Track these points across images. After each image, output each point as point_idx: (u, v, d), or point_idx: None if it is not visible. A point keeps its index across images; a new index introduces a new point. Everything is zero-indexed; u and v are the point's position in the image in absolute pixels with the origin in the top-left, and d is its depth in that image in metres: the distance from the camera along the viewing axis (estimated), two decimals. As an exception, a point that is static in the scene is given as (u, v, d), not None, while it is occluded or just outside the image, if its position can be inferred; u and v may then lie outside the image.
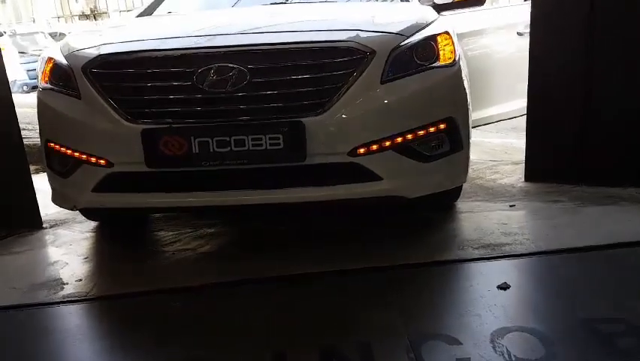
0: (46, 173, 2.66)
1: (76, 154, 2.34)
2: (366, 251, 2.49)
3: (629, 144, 3.08)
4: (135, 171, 2.21)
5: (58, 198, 2.57)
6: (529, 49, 3.23)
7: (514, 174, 3.62)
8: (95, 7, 32.69)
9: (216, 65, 2.12)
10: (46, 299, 2.27)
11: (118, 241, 2.97)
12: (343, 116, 2.14)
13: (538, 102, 3.24)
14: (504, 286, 2.09)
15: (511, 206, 3.01)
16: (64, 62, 2.39)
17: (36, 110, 2.56)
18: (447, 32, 2.44)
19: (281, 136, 2.10)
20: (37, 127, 2.57)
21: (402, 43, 2.25)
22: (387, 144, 2.22)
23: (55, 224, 3.29)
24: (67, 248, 2.86)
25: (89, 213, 3.08)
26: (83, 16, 34.10)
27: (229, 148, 2.12)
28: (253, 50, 2.15)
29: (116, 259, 2.69)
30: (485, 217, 2.86)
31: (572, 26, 3.06)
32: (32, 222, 3.20)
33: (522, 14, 4.12)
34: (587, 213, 2.82)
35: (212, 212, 2.82)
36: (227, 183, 2.19)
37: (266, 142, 2.11)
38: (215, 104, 2.14)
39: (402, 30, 2.30)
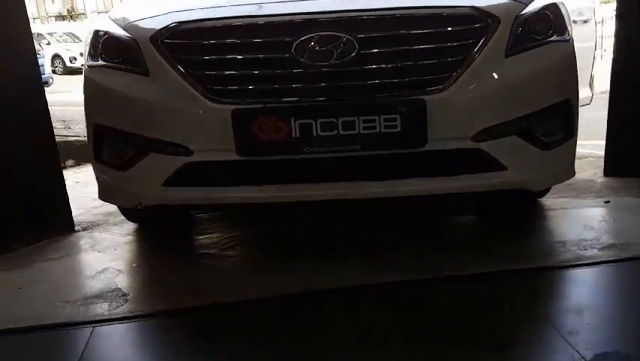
0: (92, 165, 2.29)
1: (140, 142, 1.98)
2: (470, 255, 2.16)
3: None
4: (221, 160, 1.87)
5: (111, 195, 2.21)
6: (615, 41, 2.97)
7: (587, 169, 3.34)
8: (72, 7, 31.94)
9: (319, 33, 1.79)
10: (109, 314, 1.91)
11: (165, 244, 2.60)
12: (468, 93, 1.83)
13: (621, 97, 2.99)
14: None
15: (606, 202, 2.73)
16: (123, 33, 2.03)
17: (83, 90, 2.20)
18: (559, 3, 2.14)
19: (398, 117, 1.77)
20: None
21: (522, 12, 1.95)
22: (512, 128, 1.91)
23: (88, 227, 2.91)
24: (112, 254, 2.49)
25: (129, 214, 2.71)
26: (60, 17, 33.36)
27: (336, 132, 1.79)
28: (363, 16, 1.82)
29: (171, 266, 2.31)
30: (584, 215, 2.58)
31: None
32: (64, 225, 2.82)
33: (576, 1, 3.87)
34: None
35: (300, 210, 2.45)
36: (332, 173, 1.86)
37: (380, 124, 1.78)
38: (319, 79, 1.81)
39: None
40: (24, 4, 2.57)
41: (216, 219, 2.87)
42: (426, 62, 1.80)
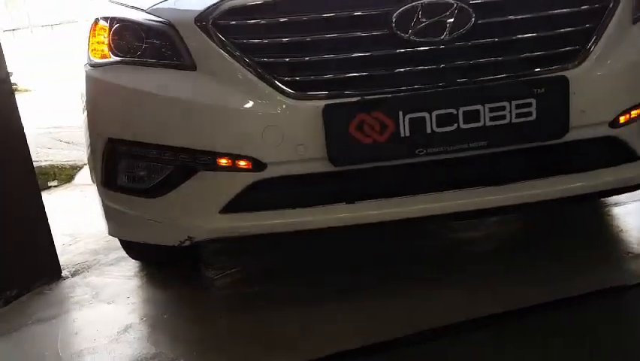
0: (100, 193, 1.77)
1: (187, 157, 1.50)
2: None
3: None
4: (306, 173, 1.42)
5: (135, 231, 1.70)
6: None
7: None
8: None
9: (424, 1, 1.38)
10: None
11: (184, 285, 2.07)
12: (604, 68, 1.48)
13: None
14: None
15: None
16: (148, 18, 1.54)
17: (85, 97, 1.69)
18: None
19: (534, 101, 1.40)
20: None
21: None
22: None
23: (78, 270, 2.35)
24: (127, 304, 1.97)
25: (136, 251, 2.18)
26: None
27: (456, 126, 1.39)
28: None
29: (209, 313, 1.84)
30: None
31: None
32: (51, 272, 2.25)
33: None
34: None
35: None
36: (453, 180, 1.45)
37: (511, 112, 1.40)
38: (429, 60, 1.40)
39: None
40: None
41: (224, 250, 2.39)
42: (562, 30, 1.43)
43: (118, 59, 1.60)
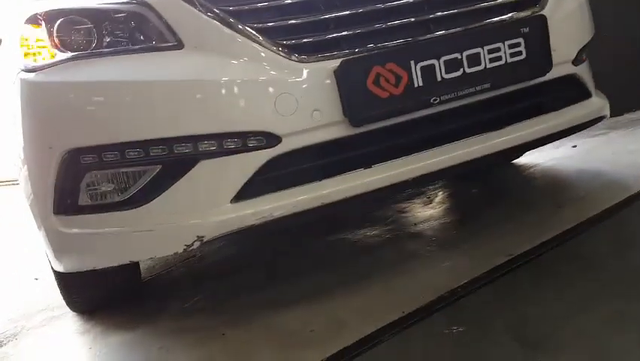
0: (53, 223, 1.48)
1: (181, 147, 1.32)
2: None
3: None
4: (327, 140, 1.32)
5: (116, 252, 1.44)
6: None
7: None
8: None
9: None
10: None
11: (145, 320, 1.78)
12: (563, 10, 1.60)
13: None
14: None
15: (573, 147, 2.76)
16: (110, 2, 1.35)
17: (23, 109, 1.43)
18: None
19: (522, 40, 1.45)
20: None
21: None
22: (586, 49, 1.73)
23: (2, 342, 1.94)
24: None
25: (80, 296, 1.88)
26: None
27: (461, 71, 1.40)
28: None
29: (196, 341, 1.57)
30: (588, 157, 2.55)
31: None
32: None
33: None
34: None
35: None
36: (464, 127, 1.45)
37: (505, 53, 1.44)
38: (429, 8, 1.40)
39: None
40: None
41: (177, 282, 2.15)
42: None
43: (69, 55, 1.37)
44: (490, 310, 1.33)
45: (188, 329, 1.64)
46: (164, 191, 1.34)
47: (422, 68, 1.35)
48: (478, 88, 1.41)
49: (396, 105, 1.34)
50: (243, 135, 1.30)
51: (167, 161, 1.33)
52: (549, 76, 1.53)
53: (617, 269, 1.39)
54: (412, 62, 1.34)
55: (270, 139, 1.30)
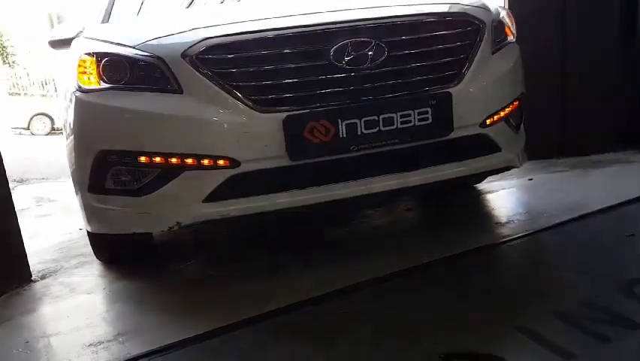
0: (85, 198, 2.13)
1: (174, 160, 1.92)
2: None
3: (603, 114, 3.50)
4: (272, 167, 1.89)
5: (124, 224, 2.08)
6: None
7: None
8: None
9: (353, 39, 1.93)
10: (160, 343, 1.79)
11: (151, 275, 2.44)
12: (476, 85, 2.10)
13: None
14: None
15: (529, 180, 3.21)
16: (137, 53, 1.96)
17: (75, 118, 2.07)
18: (507, 10, 2.55)
19: (429, 110, 1.98)
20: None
21: (493, 18, 2.30)
22: (502, 114, 2.23)
23: (46, 275, 2.64)
24: (105, 294, 2.31)
25: (103, 252, 2.54)
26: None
27: (377, 128, 1.93)
28: (387, 22, 1.99)
29: (178, 293, 2.21)
30: (527, 190, 3.02)
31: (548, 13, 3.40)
32: (21, 275, 2.52)
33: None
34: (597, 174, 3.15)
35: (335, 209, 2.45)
36: (375, 168, 1.99)
37: (414, 118, 1.97)
38: (358, 81, 1.93)
39: (486, 6, 2.34)
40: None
41: (176, 242, 2.81)
42: (444, 59, 2.03)
43: (108, 85, 1.99)
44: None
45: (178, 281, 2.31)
46: (159, 188, 1.96)
47: (347, 124, 1.90)
48: (389, 142, 1.95)
49: (324, 149, 1.90)
50: (215, 157, 1.89)
51: (164, 167, 1.94)
52: (455, 135, 2.05)
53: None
54: (340, 120, 1.89)
55: (233, 162, 1.89)
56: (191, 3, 2.90)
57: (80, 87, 2.06)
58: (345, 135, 1.90)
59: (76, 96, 2.06)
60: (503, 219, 2.59)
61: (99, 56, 2.02)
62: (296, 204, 1.94)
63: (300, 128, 1.86)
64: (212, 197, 1.91)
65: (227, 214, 1.92)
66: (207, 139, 1.89)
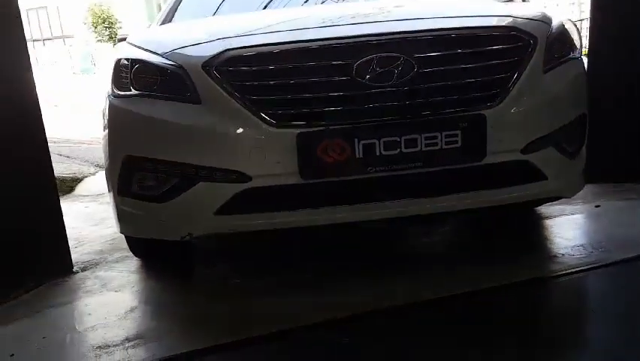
0: (115, 200, 2.17)
1: (190, 170, 1.90)
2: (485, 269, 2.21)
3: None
4: (282, 184, 1.82)
5: (144, 229, 2.10)
6: (589, 49, 3.21)
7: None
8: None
9: (379, 55, 1.81)
10: (166, 353, 1.79)
11: (182, 277, 2.48)
12: (518, 108, 1.91)
13: (600, 104, 3.21)
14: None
15: (596, 207, 2.93)
16: (164, 61, 1.95)
17: (108, 121, 2.10)
18: (567, 21, 2.31)
19: (460, 132, 1.82)
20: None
21: (550, 32, 2.08)
22: (551, 139, 2.02)
23: (87, 267, 2.73)
24: (132, 292, 2.35)
25: (138, 249, 2.58)
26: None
27: (398, 150, 1.81)
28: (419, 36, 1.86)
29: (204, 299, 2.20)
30: (588, 219, 2.75)
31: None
32: (63, 267, 2.63)
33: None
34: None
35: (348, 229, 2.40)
36: (395, 192, 1.87)
37: (442, 140, 1.82)
38: (380, 100, 1.82)
39: (544, 18, 2.13)
40: (22, 28, 2.39)
41: (220, 247, 2.81)
42: (481, 78, 1.86)
43: (137, 92, 2.01)
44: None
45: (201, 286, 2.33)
46: (176, 197, 1.95)
47: (364, 144, 1.79)
48: (410, 165, 1.82)
49: (338, 169, 1.81)
50: (227, 171, 1.85)
51: (181, 177, 1.93)
52: (489, 160, 1.88)
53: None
54: (356, 140, 1.79)
55: (244, 177, 1.84)
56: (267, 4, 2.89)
57: (113, 91, 2.09)
58: (361, 156, 1.80)
59: (109, 100, 2.10)
60: (554, 251, 2.36)
61: (132, 62, 2.04)
62: (307, 223, 1.86)
63: (313, 146, 1.78)
64: (224, 210, 1.88)
65: (236, 229, 1.88)
66: (220, 152, 1.85)
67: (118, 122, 2.07)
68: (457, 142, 1.83)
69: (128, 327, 2.02)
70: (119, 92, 2.06)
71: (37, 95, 2.49)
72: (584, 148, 2.28)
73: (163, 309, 2.16)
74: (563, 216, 2.83)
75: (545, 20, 2.13)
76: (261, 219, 1.87)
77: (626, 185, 3.26)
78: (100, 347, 1.88)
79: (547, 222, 2.79)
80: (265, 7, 2.84)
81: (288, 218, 1.86)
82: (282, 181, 1.82)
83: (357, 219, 1.86)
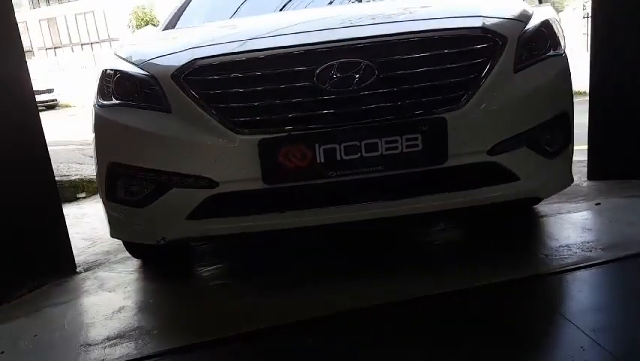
0: (104, 204, 2.27)
1: (163, 177, 1.98)
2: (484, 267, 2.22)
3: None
4: (247, 189, 1.88)
5: (128, 233, 2.19)
6: (591, 47, 3.13)
7: (570, 174, 3.49)
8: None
9: (340, 60, 1.84)
10: (138, 353, 1.87)
11: (174, 279, 2.56)
12: (483, 110, 1.90)
13: (599, 101, 3.15)
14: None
15: (597, 204, 2.86)
16: (139, 72, 2.03)
17: (94, 130, 2.20)
18: (550, 20, 2.27)
19: (420, 136, 1.83)
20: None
21: (524, 30, 2.06)
22: (523, 139, 2.00)
23: (90, 267, 2.86)
24: (124, 292, 2.45)
25: (135, 251, 2.68)
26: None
27: (359, 154, 1.83)
28: (380, 41, 1.88)
29: (189, 299, 2.29)
30: (580, 218, 2.70)
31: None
32: (66, 267, 2.76)
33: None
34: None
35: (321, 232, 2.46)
36: (356, 195, 1.89)
37: (402, 144, 1.84)
38: (341, 105, 1.85)
39: (519, 16, 2.11)
40: (20, 40, 2.52)
41: (215, 250, 2.88)
42: (442, 81, 1.86)
43: (117, 101, 2.10)
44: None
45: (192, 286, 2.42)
46: (153, 202, 2.03)
47: (325, 149, 1.83)
48: (372, 169, 1.85)
49: (300, 174, 1.85)
50: (195, 177, 1.92)
51: (157, 183, 2.01)
52: (452, 163, 1.88)
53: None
54: (317, 145, 1.83)
55: (212, 183, 1.90)
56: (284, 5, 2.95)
57: (98, 100, 2.19)
58: (323, 161, 1.83)
59: (95, 109, 2.19)
60: (540, 252, 2.33)
61: (114, 73, 2.13)
62: (273, 227, 1.91)
63: (275, 152, 1.83)
64: (194, 215, 1.95)
65: (206, 233, 1.95)
66: (189, 159, 1.92)
67: (102, 130, 2.16)
68: (417, 146, 1.84)
69: (111, 327, 2.11)
70: (103, 102, 2.15)
71: (35, 99, 2.63)
72: (570, 147, 2.24)
73: (148, 309, 2.25)
74: (560, 215, 2.78)
75: (521, 18, 2.10)
76: (229, 223, 1.93)
77: (634, 182, 3.17)
78: (82, 345, 1.99)
79: (544, 220, 2.75)
80: (282, 9, 2.88)
81: (254, 222, 1.91)
82: (247, 187, 1.88)
83: (322, 222, 1.90)
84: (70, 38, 30.44)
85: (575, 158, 3.58)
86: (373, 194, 1.89)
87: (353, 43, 1.86)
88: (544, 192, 2.10)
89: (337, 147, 1.82)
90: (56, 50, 29.82)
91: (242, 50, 1.90)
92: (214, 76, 1.88)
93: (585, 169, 3.37)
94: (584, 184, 3.27)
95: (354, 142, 1.82)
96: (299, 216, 1.89)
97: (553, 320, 1.80)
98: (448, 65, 1.88)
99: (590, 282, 2.06)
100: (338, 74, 1.83)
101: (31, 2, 32.27)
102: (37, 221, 2.60)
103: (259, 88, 1.86)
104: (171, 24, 3.23)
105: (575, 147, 3.74)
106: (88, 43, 28.18)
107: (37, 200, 2.60)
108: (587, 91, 3.23)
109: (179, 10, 3.43)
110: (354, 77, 1.83)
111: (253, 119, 1.85)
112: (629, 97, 3.04)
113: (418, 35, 1.90)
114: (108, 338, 2.01)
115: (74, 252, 3.09)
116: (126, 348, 1.92)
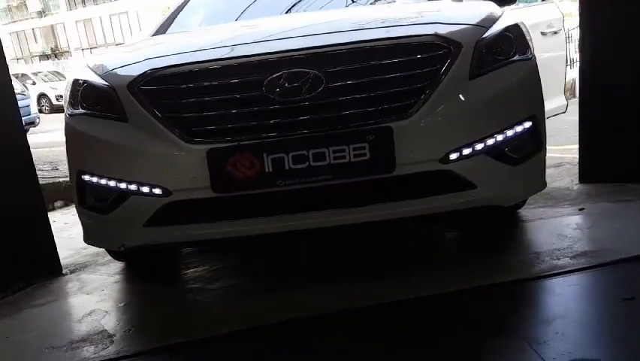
0: (77, 211, 2.33)
1: (122, 185, 2.03)
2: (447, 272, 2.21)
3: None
4: (198, 198, 1.91)
5: (96, 239, 2.25)
6: (580, 48, 3.07)
7: (562, 177, 3.42)
8: (56, 46, 32.28)
9: (288, 71, 1.86)
10: (95, 357, 1.93)
11: (153, 281, 2.63)
12: (433, 118, 1.89)
13: (589, 103, 3.07)
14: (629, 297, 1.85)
15: (580, 210, 2.80)
16: (101, 82, 2.09)
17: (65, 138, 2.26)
18: (520, 24, 2.23)
19: (367, 145, 1.83)
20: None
21: (484, 36, 2.03)
22: (479, 147, 1.97)
23: (76, 269, 2.95)
24: (100, 295, 2.51)
25: (117, 254, 2.74)
26: (44, 56, 33.51)
27: (307, 164, 1.84)
28: (328, 51, 1.88)
29: (157, 303, 2.34)
30: (559, 224, 2.65)
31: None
32: (51, 269, 2.85)
33: (545, 13, 3.99)
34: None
35: (279, 240, 2.49)
36: (305, 204, 1.90)
37: (349, 153, 1.84)
38: (288, 115, 1.86)
39: (480, 22, 2.08)
40: (1, 49, 2.61)
41: (202, 252, 2.92)
42: (391, 90, 1.86)
43: (83, 111, 2.16)
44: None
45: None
46: (114, 210, 2.09)
47: (273, 159, 1.85)
48: (320, 178, 1.85)
49: (248, 183, 1.87)
50: (150, 185, 1.96)
51: (118, 190, 2.07)
52: (401, 172, 1.88)
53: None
54: (265, 154, 1.85)
55: (165, 191, 1.94)
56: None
57: (68, 109, 2.26)
58: (271, 170, 1.85)
59: (65, 118, 2.26)
60: (517, 257, 2.30)
61: (81, 82, 2.20)
62: (225, 235, 1.94)
63: (223, 161, 1.86)
64: (151, 223, 1.99)
65: (162, 240, 2.00)
66: (145, 168, 1.97)
67: (70, 139, 2.23)
68: (365, 155, 1.84)
69: (78, 330, 2.18)
70: (73, 111, 2.22)
71: (17, 107, 2.72)
72: (541, 152, 2.20)
73: (117, 312, 2.31)
74: (541, 220, 2.74)
75: (482, 23, 2.08)
76: (182, 231, 1.97)
77: (627, 185, 3.08)
78: (47, 348, 2.05)
79: (524, 225, 2.71)
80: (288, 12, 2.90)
81: (207, 230, 1.94)
82: (198, 195, 1.91)
83: (271, 231, 1.92)
84: (105, 38, 31.24)
85: (570, 160, 3.54)
86: (322, 203, 1.90)
87: (303, 54, 1.88)
88: (507, 199, 2.07)
89: (285, 156, 1.84)
90: (92, 50, 30.60)
91: (193, 60, 1.93)
92: (167, 86, 1.93)
93: (578, 172, 3.30)
94: (575, 188, 3.20)
95: (302, 151, 1.83)
96: (248, 224, 1.92)
97: (498, 331, 1.78)
98: (397, 74, 1.87)
99: (551, 291, 2.03)
100: (286, 84, 1.85)
101: (68, 4, 33.28)
102: (21, 223, 2.68)
103: (209, 98, 1.89)
104: (162, 29, 3.29)
105: (571, 148, 3.69)
106: (122, 44, 28.83)
107: (20, 201, 2.68)
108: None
109: (172, 14, 3.49)
110: (302, 88, 1.85)
111: (203, 129, 1.88)
112: (620, 98, 2.96)
113: (368, 44, 1.90)
114: (72, 342, 2.07)
115: (70, 253, 3.20)
116: (86, 352, 1.98)
